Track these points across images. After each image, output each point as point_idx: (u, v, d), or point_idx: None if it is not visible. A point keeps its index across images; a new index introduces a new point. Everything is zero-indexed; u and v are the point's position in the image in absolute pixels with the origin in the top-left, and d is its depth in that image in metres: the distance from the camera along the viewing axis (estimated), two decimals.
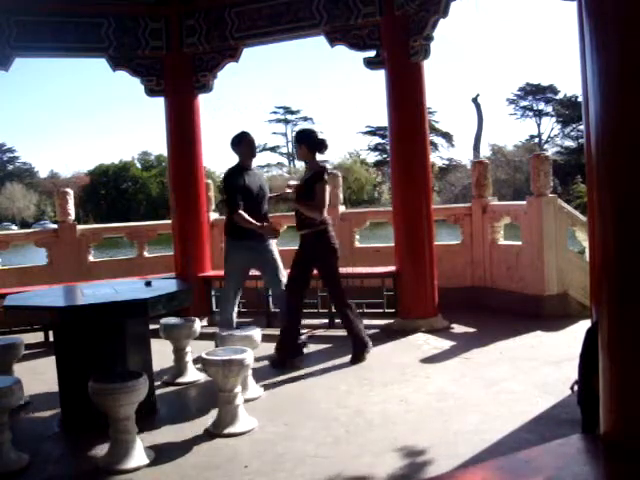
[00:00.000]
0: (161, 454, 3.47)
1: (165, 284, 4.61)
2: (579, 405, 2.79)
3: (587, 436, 2.55)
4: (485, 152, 44.96)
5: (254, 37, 6.73)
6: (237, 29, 6.66)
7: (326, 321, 6.61)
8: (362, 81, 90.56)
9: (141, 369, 3.81)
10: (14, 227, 43.94)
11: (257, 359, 4.54)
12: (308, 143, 5.29)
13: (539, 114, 54.76)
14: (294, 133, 5.74)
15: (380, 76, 6.36)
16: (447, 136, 57.43)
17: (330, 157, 50.29)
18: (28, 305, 4.01)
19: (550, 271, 6.42)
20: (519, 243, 6.90)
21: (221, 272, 7.29)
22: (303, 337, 5.67)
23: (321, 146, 5.29)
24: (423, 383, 4.56)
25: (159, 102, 7.07)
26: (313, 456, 3.38)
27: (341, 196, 7.86)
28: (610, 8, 2.01)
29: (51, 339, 5.56)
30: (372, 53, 6.29)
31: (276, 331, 5.67)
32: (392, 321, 6.36)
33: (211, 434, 3.72)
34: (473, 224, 7.31)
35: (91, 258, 8.06)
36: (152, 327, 4.39)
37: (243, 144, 5.47)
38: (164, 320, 4.90)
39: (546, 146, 50.43)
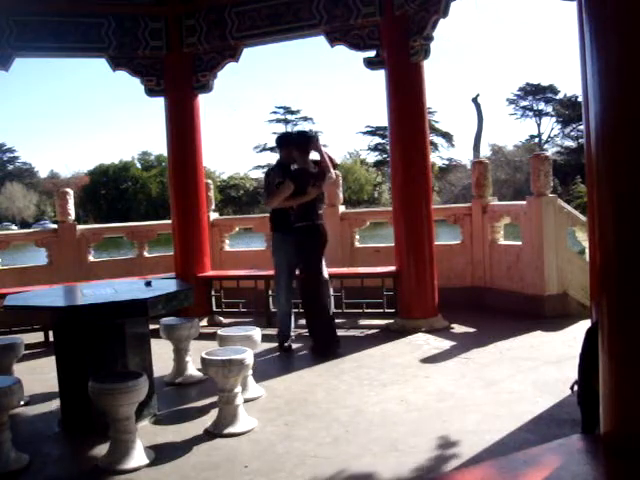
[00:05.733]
0: (161, 454, 3.47)
1: (165, 284, 4.60)
2: (579, 405, 2.79)
3: (587, 436, 2.55)
4: (485, 152, 45.05)
5: (254, 37, 6.73)
6: (237, 29, 6.66)
7: None
8: (362, 81, 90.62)
9: (141, 369, 3.81)
10: (14, 227, 44.01)
11: (257, 359, 4.54)
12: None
13: (539, 114, 54.80)
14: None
15: (380, 76, 6.36)
16: (447, 136, 57.47)
17: None
18: (28, 305, 4.01)
19: (550, 271, 6.42)
20: (519, 243, 6.90)
21: (221, 272, 7.35)
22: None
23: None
24: (423, 383, 4.56)
25: (159, 102, 7.08)
26: (313, 456, 3.38)
27: (341, 196, 7.87)
28: (610, 8, 2.01)
29: (51, 339, 5.55)
30: (372, 53, 6.29)
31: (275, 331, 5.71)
32: (392, 321, 6.36)
33: (211, 434, 3.72)
34: (473, 224, 7.31)
35: (91, 258, 8.07)
36: (152, 327, 4.39)
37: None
38: (164, 320, 4.90)
39: (546, 146, 50.48)
